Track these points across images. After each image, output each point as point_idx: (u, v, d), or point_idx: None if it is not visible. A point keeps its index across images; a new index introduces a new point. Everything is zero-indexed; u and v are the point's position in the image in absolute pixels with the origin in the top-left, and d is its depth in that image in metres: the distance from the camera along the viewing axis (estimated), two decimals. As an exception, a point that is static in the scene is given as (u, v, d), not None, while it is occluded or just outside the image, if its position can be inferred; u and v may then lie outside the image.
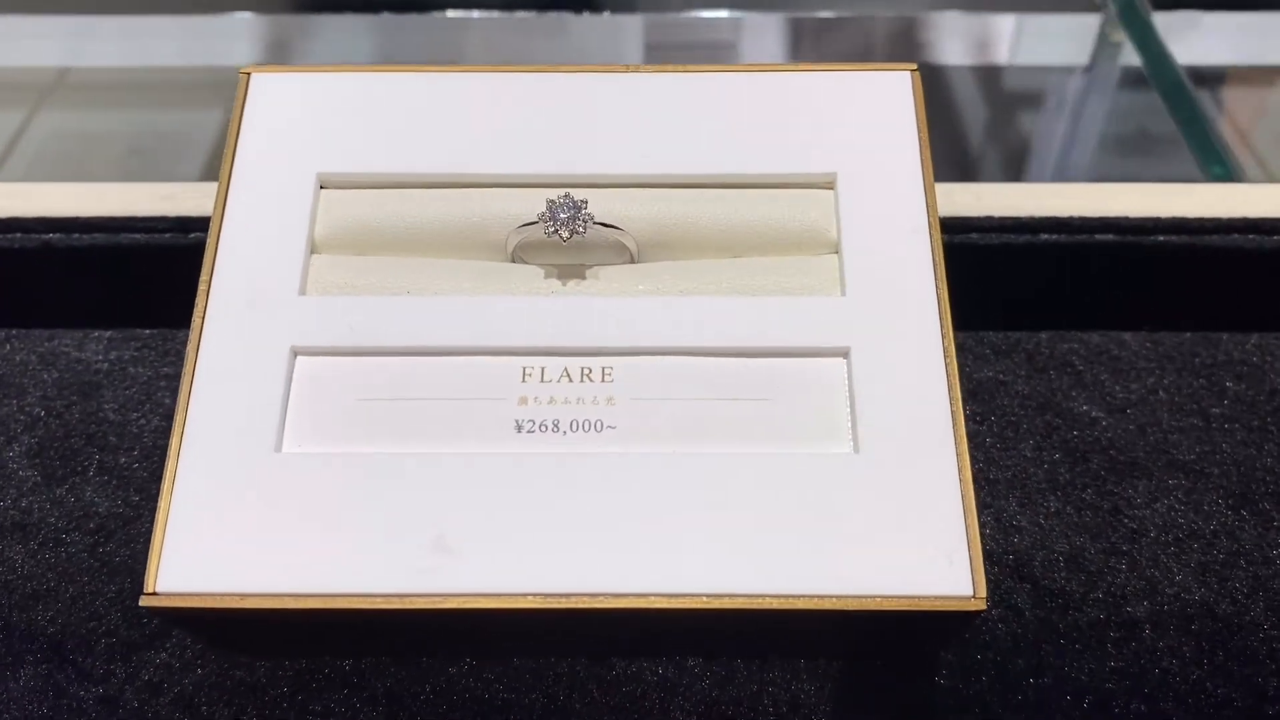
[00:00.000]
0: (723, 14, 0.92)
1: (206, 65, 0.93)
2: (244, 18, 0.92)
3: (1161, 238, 0.53)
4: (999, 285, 0.54)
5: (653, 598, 0.36)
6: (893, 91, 0.46)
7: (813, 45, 0.92)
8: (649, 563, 0.37)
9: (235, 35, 0.93)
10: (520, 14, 0.90)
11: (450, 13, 0.90)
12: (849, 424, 0.39)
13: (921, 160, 0.44)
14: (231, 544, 0.38)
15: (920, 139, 0.44)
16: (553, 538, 0.37)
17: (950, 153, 0.84)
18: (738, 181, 0.44)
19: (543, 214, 0.42)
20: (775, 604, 0.36)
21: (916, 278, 0.42)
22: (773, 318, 0.41)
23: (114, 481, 0.49)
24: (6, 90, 0.92)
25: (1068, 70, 0.89)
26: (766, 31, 0.93)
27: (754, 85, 0.46)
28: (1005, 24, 0.90)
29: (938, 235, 0.42)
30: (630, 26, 0.93)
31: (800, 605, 0.36)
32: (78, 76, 0.93)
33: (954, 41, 0.91)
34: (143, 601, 0.37)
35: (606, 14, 0.90)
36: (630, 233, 0.43)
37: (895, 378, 0.40)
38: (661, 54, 0.91)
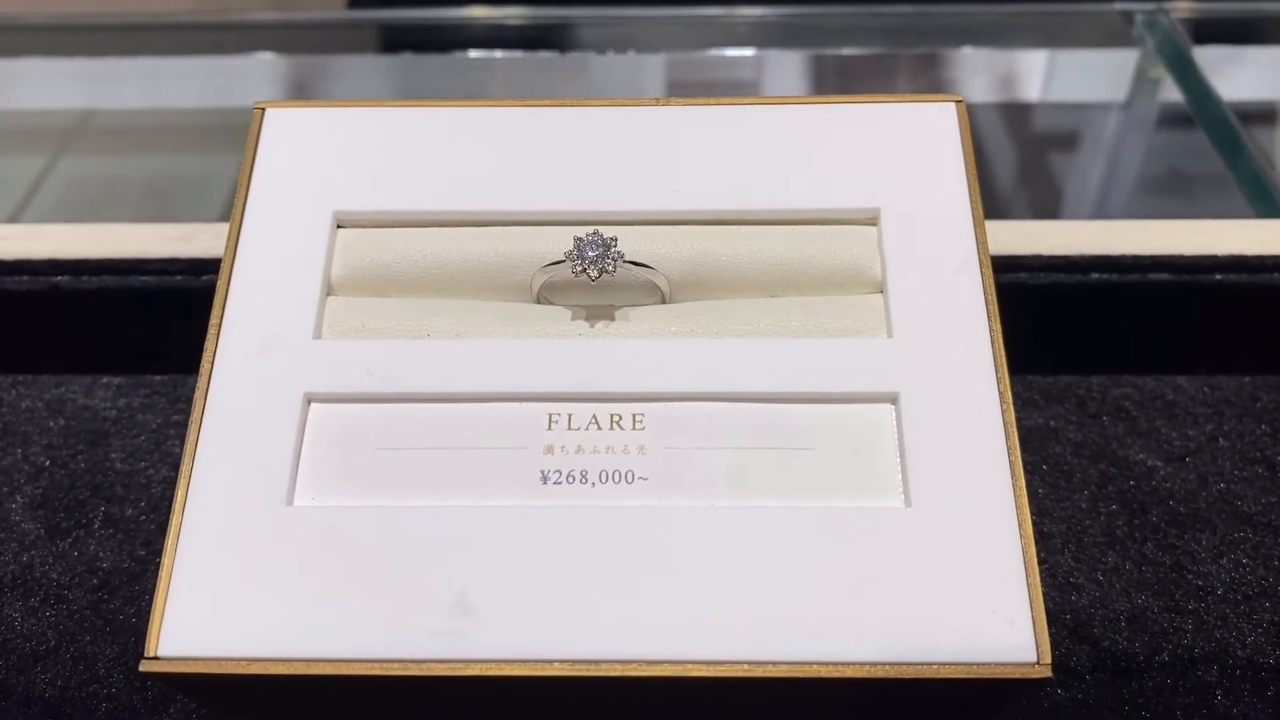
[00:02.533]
0: (747, 52, 0.91)
1: (226, 107, 0.92)
2: (265, 58, 0.91)
3: (1219, 276, 0.51)
4: (1048, 327, 0.51)
5: (690, 666, 0.33)
6: (937, 124, 0.44)
7: (841, 83, 0.90)
8: (685, 626, 0.34)
9: (256, 76, 0.92)
10: (543, 54, 0.89)
11: (472, 53, 0.89)
12: (899, 475, 0.37)
13: (970, 195, 0.42)
14: (239, 604, 0.35)
15: (967, 173, 0.42)
16: (581, 599, 0.35)
17: (984, 192, 0.82)
18: (775, 218, 0.42)
19: (570, 252, 0.40)
20: (822, 672, 0.33)
21: (967, 318, 0.39)
22: (815, 361, 0.39)
23: (119, 535, 0.47)
24: (25, 136, 0.92)
25: (1105, 107, 0.87)
26: (791, 70, 0.91)
27: (791, 118, 0.44)
28: (1039, 60, 0.89)
29: (989, 273, 0.40)
30: (652, 65, 0.92)
31: (849, 674, 0.33)
32: (98, 120, 0.93)
33: (987, 78, 0.89)
34: (143, 667, 0.35)
35: (630, 53, 0.89)
36: (662, 272, 0.41)
37: (948, 425, 0.37)
38: (684, 92, 0.90)
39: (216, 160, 0.90)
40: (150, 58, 0.93)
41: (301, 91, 0.92)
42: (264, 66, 0.93)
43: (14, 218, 0.83)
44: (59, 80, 0.93)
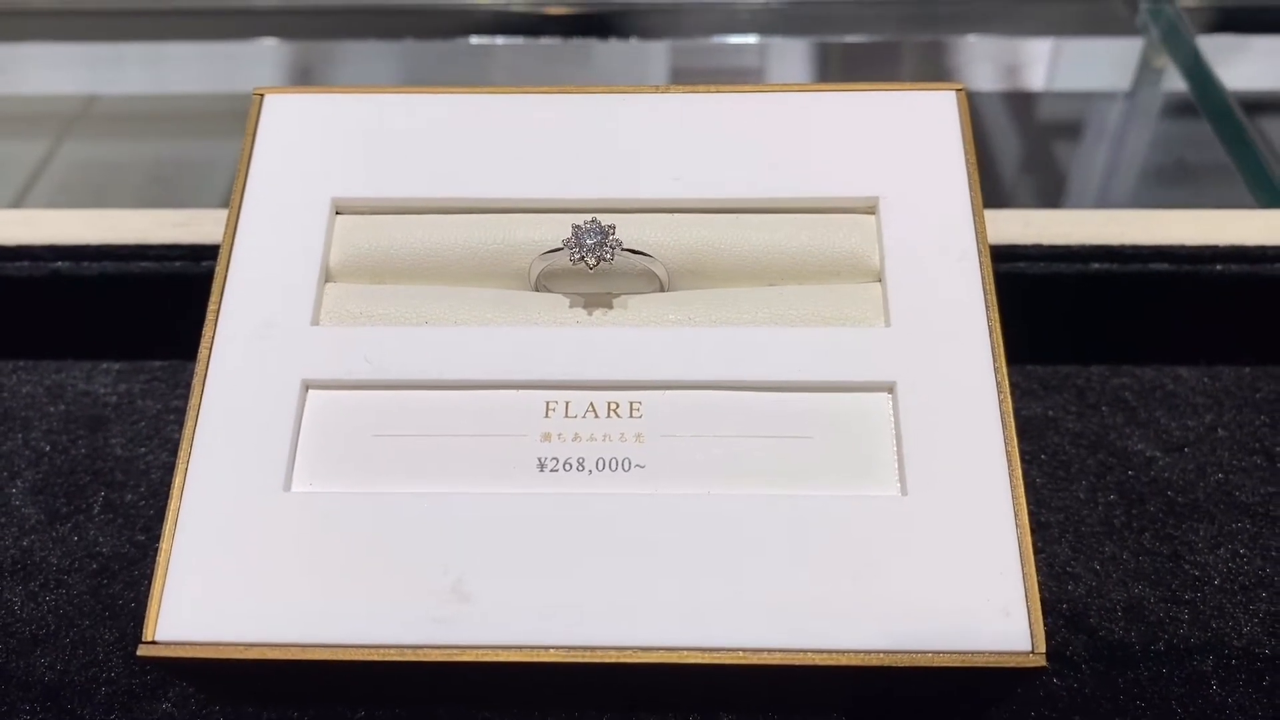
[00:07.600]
0: (751, 39, 0.90)
1: (229, 92, 0.92)
2: (268, 44, 0.91)
3: (1219, 266, 0.50)
4: (1047, 316, 0.51)
5: (685, 653, 0.33)
6: (937, 111, 0.43)
7: (844, 71, 0.89)
8: (680, 614, 0.34)
9: (259, 62, 0.92)
10: (545, 40, 0.88)
11: (474, 39, 0.89)
12: (895, 464, 0.37)
13: (969, 183, 0.41)
14: (236, 590, 0.35)
15: (967, 161, 0.42)
16: (577, 585, 0.35)
17: (987, 181, 0.82)
18: (774, 206, 0.42)
19: (568, 240, 0.40)
20: (817, 660, 0.33)
21: (965, 307, 0.39)
22: (812, 350, 0.39)
23: (119, 520, 0.47)
24: (28, 121, 0.91)
25: (1108, 96, 0.87)
26: (795, 57, 0.91)
27: (790, 106, 0.44)
28: (1042, 48, 0.88)
29: (988, 262, 0.40)
30: (656, 53, 0.91)
31: (844, 662, 0.33)
32: (101, 106, 0.93)
33: (988, 66, 0.88)
34: (140, 651, 0.35)
35: (633, 40, 0.89)
36: (660, 260, 0.41)
37: (944, 414, 0.37)
38: (688, 80, 0.89)
39: (220, 146, 0.90)
40: (153, 43, 0.92)
41: (304, 77, 0.92)
42: (267, 52, 0.92)
43: (17, 203, 0.83)
44: (62, 65, 0.92)
